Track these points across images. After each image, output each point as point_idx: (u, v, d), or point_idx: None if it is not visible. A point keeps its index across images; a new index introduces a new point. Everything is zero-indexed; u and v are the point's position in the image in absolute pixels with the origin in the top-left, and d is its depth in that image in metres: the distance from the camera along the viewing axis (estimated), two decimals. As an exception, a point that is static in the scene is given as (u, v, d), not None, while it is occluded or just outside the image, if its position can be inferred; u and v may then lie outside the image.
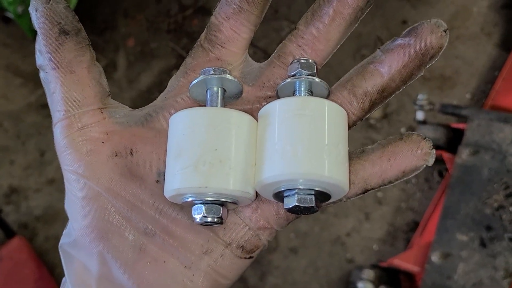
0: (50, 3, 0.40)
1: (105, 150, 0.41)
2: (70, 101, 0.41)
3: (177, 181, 0.38)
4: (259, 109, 0.41)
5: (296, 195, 0.37)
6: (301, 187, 0.37)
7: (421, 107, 1.64)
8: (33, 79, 2.05)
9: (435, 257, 1.47)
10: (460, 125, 1.64)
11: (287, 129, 0.38)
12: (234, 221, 0.41)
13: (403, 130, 1.89)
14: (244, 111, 0.41)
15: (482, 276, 1.42)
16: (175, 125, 0.39)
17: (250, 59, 0.44)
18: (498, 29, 1.98)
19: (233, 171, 0.38)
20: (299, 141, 0.37)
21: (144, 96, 2.03)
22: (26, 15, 1.83)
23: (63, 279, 0.42)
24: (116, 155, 0.41)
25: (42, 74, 0.41)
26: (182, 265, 0.40)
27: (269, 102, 0.41)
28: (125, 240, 0.40)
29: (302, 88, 0.40)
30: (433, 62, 0.40)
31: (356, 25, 0.42)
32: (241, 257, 0.42)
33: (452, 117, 1.70)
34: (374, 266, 1.62)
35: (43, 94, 0.41)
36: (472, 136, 1.59)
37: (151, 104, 0.44)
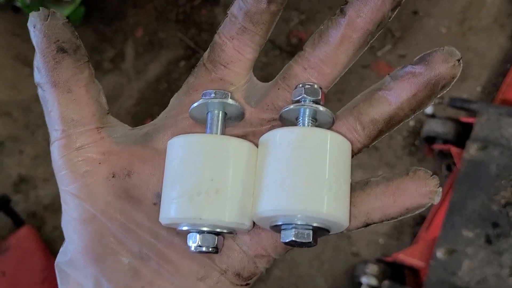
0: (48, 19, 0.39)
1: (102, 171, 0.40)
2: (67, 120, 0.40)
3: (172, 211, 0.37)
4: (261, 132, 0.40)
5: (294, 230, 0.36)
6: (298, 222, 0.36)
7: (430, 101, 1.61)
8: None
9: (440, 253, 1.46)
10: (470, 119, 1.61)
11: (286, 161, 0.37)
12: (232, 248, 0.40)
13: (411, 123, 1.87)
14: (246, 134, 0.40)
15: (487, 273, 1.41)
16: (172, 150, 0.39)
17: (255, 79, 0.43)
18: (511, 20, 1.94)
19: (229, 202, 0.37)
20: (298, 174, 0.36)
21: (152, 86, 2.03)
22: (34, 4, 1.83)
23: None
24: (113, 177, 0.40)
25: (40, 92, 0.41)
26: None
27: (272, 125, 0.40)
28: (119, 263, 0.39)
29: (306, 116, 0.39)
30: (445, 91, 0.39)
31: (366, 48, 0.40)
32: (236, 284, 0.41)
33: (462, 111, 1.68)
34: (379, 261, 1.62)
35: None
36: (480, 131, 1.57)
37: (151, 122, 0.43)
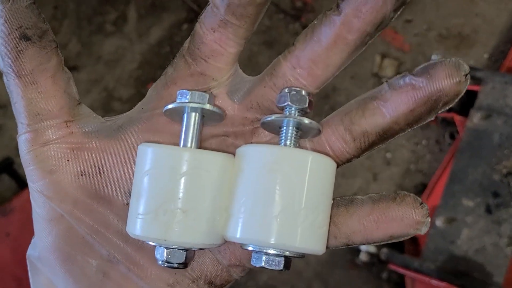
0: (10, 2, 0.35)
1: (71, 168, 0.38)
2: (32, 114, 0.37)
3: (138, 227, 0.35)
4: (243, 133, 0.38)
5: (264, 256, 0.34)
6: (270, 251, 0.34)
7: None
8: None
9: (439, 222, 1.46)
10: (475, 87, 1.59)
11: (260, 184, 0.34)
12: (205, 255, 0.38)
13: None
14: (227, 134, 0.38)
15: (486, 242, 1.41)
16: (141, 159, 0.36)
17: (240, 71, 0.39)
18: (522, -15, 1.89)
19: (197, 223, 0.34)
20: (271, 201, 0.33)
21: (154, 50, 2.01)
22: None
23: None
24: (82, 175, 0.38)
25: (5, 80, 0.38)
26: None
27: (255, 126, 0.38)
28: (87, 265, 0.38)
29: (290, 128, 0.35)
30: (446, 109, 0.35)
31: (364, 49, 0.36)
32: None
33: (467, 79, 1.65)
34: (378, 228, 1.63)
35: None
36: (485, 100, 1.55)
37: (126, 113, 0.40)
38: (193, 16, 2.04)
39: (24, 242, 1.64)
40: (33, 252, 0.40)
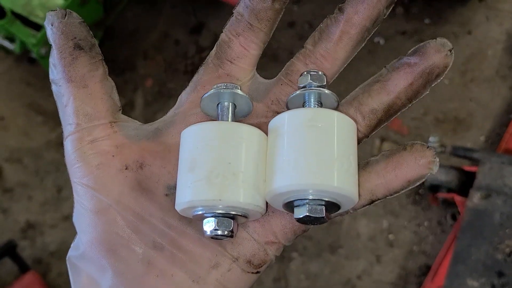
0: (66, 18, 0.41)
1: (115, 163, 0.41)
2: (81, 114, 0.41)
3: (189, 194, 0.38)
4: (266, 124, 0.41)
5: (307, 206, 0.37)
6: (311, 197, 0.37)
7: (432, 150, 1.62)
8: (53, 117, 2.11)
9: (445, 303, 1.44)
10: (473, 168, 1.62)
11: (297, 141, 0.38)
12: (242, 236, 0.41)
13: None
14: (253, 126, 0.41)
15: (493, 323, 1.38)
16: (187, 139, 0.40)
17: (258, 75, 0.45)
18: (513, 72, 1.97)
19: (245, 184, 0.38)
20: (309, 152, 0.38)
21: (160, 135, 2.07)
22: (48, 56, 1.90)
23: None
24: (126, 169, 0.41)
25: (54, 88, 0.42)
26: (190, 279, 0.40)
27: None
28: (133, 253, 0.40)
29: (312, 100, 0.41)
30: (439, 81, 0.41)
31: (363, 45, 0.43)
32: (248, 272, 0.41)
33: (465, 160, 1.69)
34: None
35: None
36: (483, 180, 1.57)
37: (160, 119, 0.44)
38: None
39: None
40: (74, 252, 0.42)
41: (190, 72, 2.17)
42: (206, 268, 0.40)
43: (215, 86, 0.41)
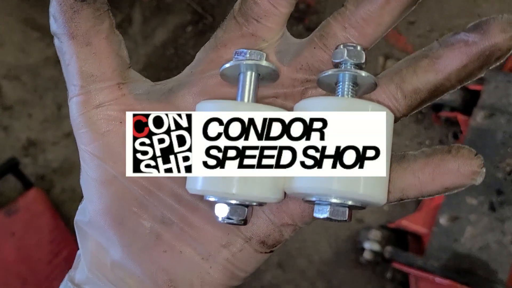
0: None
1: (123, 130, 0.38)
2: (86, 75, 0.37)
3: (201, 182, 0.35)
4: (293, 94, 0.38)
5: (329, 207, 0.34)
6: (334, 201, 0.34)
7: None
8: (50, 33, 2.06)
9: (443, 220, 1.46)
10: (477, 87, 1.60)
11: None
12: (258, 215, 0.38)
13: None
14: (277, 96, 0.38)
15: (490, 240, 1.41)
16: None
17: (288, 34, 0.39)
18: (525, -14, 1.90)
19: (262, 177, 0.35)
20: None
21: (159, 52, 2.03)
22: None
23: (78, 253, 0.41)
24: None
25: (56, 42, 0.38)
26: (199, 257, 0.38)
27: (305, 87, 0.38)
28: (140, 227, 0.38)
29: (346, 82, 0.36)
30: (498, 64, 0.35)
31: (413, 8, 0.37)
32: (261, 252, 0.39)
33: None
34: (382, 227, 1.63)
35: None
36: (488, 99, 1.55)
37: (175, 77, 0.40)
38: (197, 18, 2.05)
39: (29, 242, 1.66)
40: (82, 217, 0.40)
41: (189, -14, 2.10)
42: (216, 246, 0.38)
43: (237, 52, 0.36)
